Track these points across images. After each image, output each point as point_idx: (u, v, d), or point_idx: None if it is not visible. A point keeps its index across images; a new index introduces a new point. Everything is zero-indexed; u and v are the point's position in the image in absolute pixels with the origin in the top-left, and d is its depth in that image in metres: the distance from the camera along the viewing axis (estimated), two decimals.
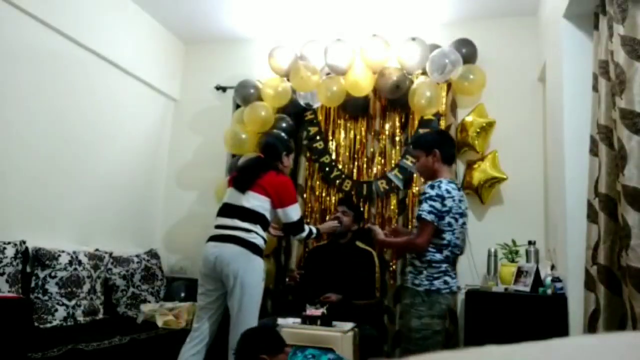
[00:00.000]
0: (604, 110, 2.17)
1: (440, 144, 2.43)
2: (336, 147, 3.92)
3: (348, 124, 3.92)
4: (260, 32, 4.20)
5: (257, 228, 2.63)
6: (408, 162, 3.64)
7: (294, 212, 2.73)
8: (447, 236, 2.28)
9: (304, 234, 2.85)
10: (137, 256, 3.65)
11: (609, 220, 2.08)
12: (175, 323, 3.17)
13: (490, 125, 3.48)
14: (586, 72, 2.47)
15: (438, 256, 2.28)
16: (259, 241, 2.63)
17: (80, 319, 2.98)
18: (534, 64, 3.60)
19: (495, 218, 3.53)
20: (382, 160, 3.79)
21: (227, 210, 2.69)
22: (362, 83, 3.60)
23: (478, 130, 3.46)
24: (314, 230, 2.93)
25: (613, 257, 2.06)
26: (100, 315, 3.17)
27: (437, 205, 2.25)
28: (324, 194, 3.88)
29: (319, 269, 3.27)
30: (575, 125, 2.58)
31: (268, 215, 2.69)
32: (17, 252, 2.74)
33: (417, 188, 3.64)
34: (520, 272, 2.90)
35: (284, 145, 2.90)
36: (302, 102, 3.81)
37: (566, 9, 2.62)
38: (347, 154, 3.88)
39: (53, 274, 2.89)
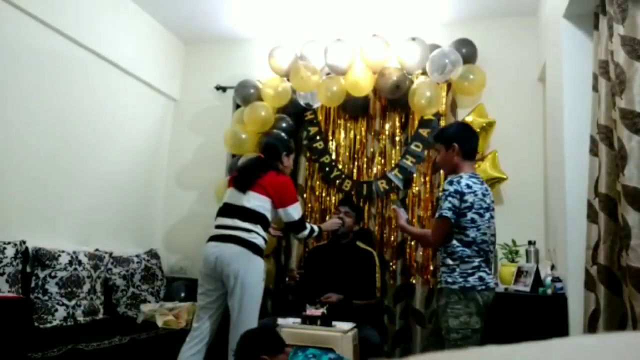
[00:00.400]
0: (604, 110, 2.17)
1: (460, 138, 2.35)
2: (336, 147, 3.92)
3: (348, 124, 3.92)
4: (260, 32, 4.20)
5: (258, 228, 2.64)
6: (408, 162, 3.64)
7: (294, 211, 2.73)
8: (471, 233, 2.21)
9: (306, 232, 2.85)
10: (137, 256, 3.65)
11: (609, 220, 2.08)
12: (175, 323, 3.17)
13: (490, 125, 3.48)
14: (586, 72, 2.47)
15: (468, 251, 2.21)
16: (260, 241, 2.63)
17: (80, 319, 2.98)
18: (534, 64, 3.60)
19: (495, 218, 3.52)
20: (382, 160, 3.78)
21: (228, 210, 2.69)
22: (362, 83, 3.60)
23: (478, 130, 3.45)
24: (316, 228, 2.94)
25: (613, 257, 2.06)
26: (100, 315, 3.17)
27: (456, 202, 2.20)
28: (324, 194, 3.88)
29: (320, 268, 3.26)
30: (575, 125, 2.58)
31: (269, 215, 2.69)
32: (17, 252, 2.74)
33: (417, 188, 3.64)
34: (520, 272, 2.90)
35: (284, 145, 2.90)
36: (302, 102, 3.81)
37: (566, 9, 2.62)
38: (347, 154, 3.88)
39: (53, 274, 2.89)
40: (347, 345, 2.60)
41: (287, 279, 3.42)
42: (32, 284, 2.83)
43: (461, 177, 2.27)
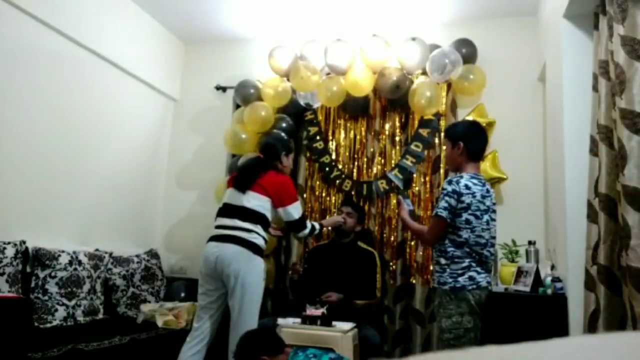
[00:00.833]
0: (604, 110, 2.17)
1: (467, 138, 2.33)
2: (336, 147, 3.92)
3: (348, 124, 3.92)
4: (260, 32, 4.20)
5: (258, 228, 2.64)
6: (408, 162, 3.64)
7: (294, 210, 2.73)
8: (464, 234, 2.21)
9: (307, 232, 2.85)
10: (137, 256, 3.65)
11: (609, 220, 2.08)
12: (175, 323, 3.17)
13: (490, 125, 3.48)
14: (586, 72, 2.47)
15: (458, 252, 2.22)
16: (260, 241, 2.63)
17: (80, 319, 2.98)
18: (534, 64, 3.60)
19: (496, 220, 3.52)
20: (382, 160, 3.78)
21: (228, 210, 2.69)
22: (362, 83, 3.60)
23: None
24: (317, 226, 2.94)
25: (613, 257, 2.06)
26: (100, 315, 3.17)
27: (452, 202, 2.20)
28: (324, 194, 3.88)
29: (320, 267, 3.27)
30: (575, 125, 2.58)
31: (269, 215, 2.69)
32: (17, 252, 2.74)
33: (417, 188, 3.64)
34: (520, 272, 2.90)
35: (283, 145, 2.90)
36: (302, 102, 3.81)
37: (566, 9, 2.62)
38: (347, 154, 3.88)
39: (53, 274, 2.89)
40: (347, 345, 2.60)
41: (290, 272, 3.41)
42: (32, 284, 2.83)
43: (461, 177, 2.27)
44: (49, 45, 3.18)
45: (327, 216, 3.68)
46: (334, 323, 2.69)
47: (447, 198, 2.21)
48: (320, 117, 3.95)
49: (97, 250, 3.37)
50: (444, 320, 2.21)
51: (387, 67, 3.60)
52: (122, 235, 3.82)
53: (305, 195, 3.86)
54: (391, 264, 3.59)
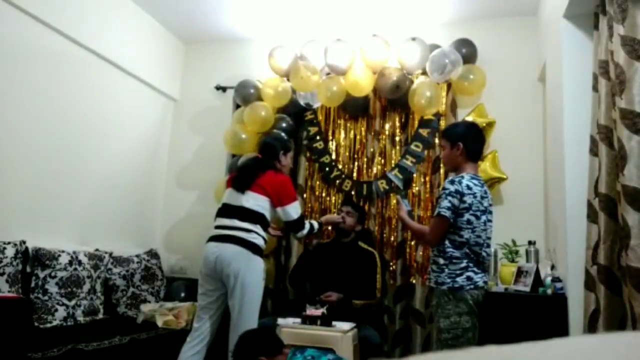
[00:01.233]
0: (604, 110, 2.17)
1: (466, 139, 2.34)
2: (336, 147, 3.92)
3: (348, 124, 3.92)
4: (260, 32, 4.20)
5: (257, 228, 2.64)
6: (408, 162, 3.64)
7: (293, 210, 2.73)
8: (466, 234, 2.22)
9: (305, 232, 2.85)
10: (137, 256, 3.65)
11: (609, 220, 2.08)
12: (175, 323, 3.17)
13: (490, 125, 3.48)
14: (586, 72, 2.47)
15: (457, 253, 2.22)
16: (259, 241, 2.63)
17: (80, 319, 2.98)
18: (534, 64, 3.60)
19: (495, 218, 3.48)
20: (382, 160, 3.78)
21: (227, 210, 2.69)
22: (362, 83, 3.60)
23: None
24: (315, 225, 2.94)
25: (613, 257, 2.06)
26: (100, 315, 3.17)
27: (455, 201, 2.20)
28: (324, 194, 3.88)
29: (321, 267, 3.27)
30: (575, 125, 2.58)
31: (267, 214, 2.69)
32: (17, 252, 2.74)
33: (417, 188, 3.64)
34: (520, 272, 2.90)
35: (281, 144, 2.90)
36: (302, 102, 3.81)
37: (566, 9, 2.62)
38: (347, 154, 3.88)
39: (53, 274, 2.89)
40: (347, 345, 2.60)
41: (306, 241, 3.43)
42: (32, 284, 2.83)
43: (462, 177, 2.27)
44: (49, 45, 3.18)
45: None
46: (333, 323, 2.69)
47: (449, 198, 2.21)
48: (320, 117, 3.95)
49: (97, 250, 3.37)
50: (442, 320, 2.21)
51: (387, 67, 3.60)
52: (122, 235, 3.82)
53: (305, 195, 3.86)
54: (391, 264, 3.59)
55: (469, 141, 2.35)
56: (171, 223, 4.29)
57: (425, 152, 3.64)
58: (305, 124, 3.94)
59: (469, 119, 3.51)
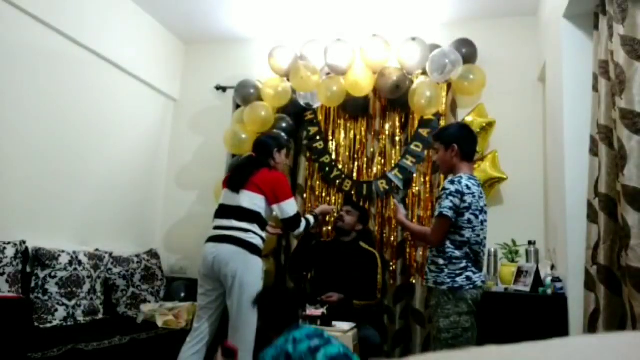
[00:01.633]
0: (604, 110, 2.17)
1: (460, 140, 2.36)
2: (336, 147, 3.92)
3: (348, 124, 3.92)
4: (260, 32, 4.20)
5: (255, 227, 2.64)
6: (408, 162, 3.64)
7: (289, 207, 2.73)
8: (467, 233, 2.23)
9: (302, 229, 2.85)
10: (137, 256, 3.65)
11: (609, 220, 2.08)
12: (175, 323, 3.17)
13: (490, 125, 3.48)
14: (586, 72, 2.47)
15: (458, 253, 2.23)
16: (257, 241, 2.63)
17: (80, 319, 2.98)
18: (534, 64, 3.60)
19: (495, 218, 3.50)
20: (382, 160, 3.78)
21: (223, 211, 2.70)
22: (362, 83, 3.60)
23: (478, 130, 3.45)
24: (311, 219, 2.94)
25: (613, 257, 2.06)
26: (100, 315, 3.17)
27: (456, 201, 2.21)
28: (324, 194, 3.88)
29: (321, 266, 3.27)
30: (575, 125, 2.58)
31: (264, 213, 2.69)
32: (17, 252, 2.74)
33: (417, 188, 3.64)
34: (520, 272, 2.90)
35: (275, 141, 2.90)
36: (302, 102, 3.81)
37: (566, 9, 2.62)
38: (347, 154, 3.88)
39: (53, 274, 2.89)
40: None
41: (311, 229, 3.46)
42: (32, 284, 2.83)
43: (461, 177, 2.28)
44: (49, 45, 3.18)
45: (327, 217, 3.66)
46: (334, 323, 2.68)
47: (451, 198, 2.22)
48: (320, 117, 3.95)
49: (97, 250, 3.37)
50: (441, 320, 2.22)
51: (387, 67, 3.60)
52: (122, 235, 3.82)
53: (305, 195, 3.86)
54: (391, 264, 3.59)
55: (463, 142, 2.37)
56: (171, 223, 4.29)
57: (425, 152, 3.64)
58: (305, 124, 3.94)
59: (469, 119, 3.51)
